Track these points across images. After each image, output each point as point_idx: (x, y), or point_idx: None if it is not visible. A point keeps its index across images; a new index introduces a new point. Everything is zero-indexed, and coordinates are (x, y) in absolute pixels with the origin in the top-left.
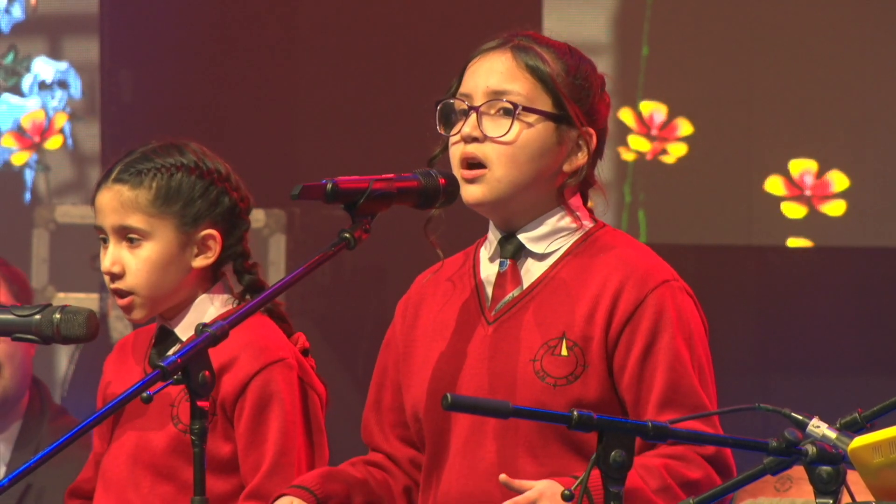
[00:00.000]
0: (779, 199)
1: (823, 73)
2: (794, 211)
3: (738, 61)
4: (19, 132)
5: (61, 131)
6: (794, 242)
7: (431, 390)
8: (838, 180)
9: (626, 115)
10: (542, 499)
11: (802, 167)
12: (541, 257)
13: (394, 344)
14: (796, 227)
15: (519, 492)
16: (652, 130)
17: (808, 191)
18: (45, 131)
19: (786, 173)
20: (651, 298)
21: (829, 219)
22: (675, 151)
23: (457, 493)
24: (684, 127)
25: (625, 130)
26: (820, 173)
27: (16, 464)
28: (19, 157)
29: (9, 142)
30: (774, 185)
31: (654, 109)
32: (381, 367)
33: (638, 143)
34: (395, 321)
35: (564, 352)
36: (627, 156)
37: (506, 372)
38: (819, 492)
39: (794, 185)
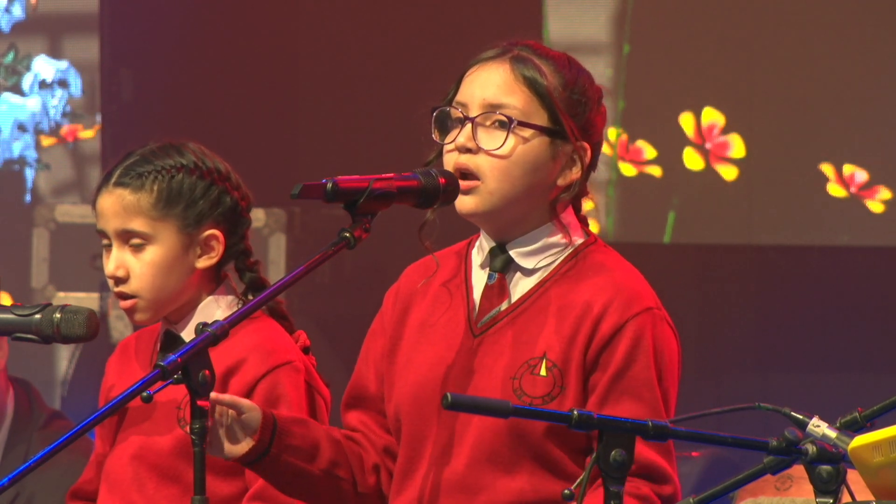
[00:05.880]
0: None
1: (821, 72)
2: (838, 191)
3: (738, 59)
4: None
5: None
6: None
7: (415, 396)
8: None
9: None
10: None
11: (827, 165)
12: (529, 272)
13: (380, 333)
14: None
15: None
16: (707, 144)
17: (853, 188)
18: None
19: (808, 175)
20: (631, 324)
21: (840, 217)
22: (727, 172)
23: (426, 501)
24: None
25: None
26: (841, 171)
27: (2, 476)
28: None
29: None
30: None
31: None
32: (365, 353)
33: (692, 158)
34: (383, 310)
35: (544, 372)
36: (691, 164)
37: (487, 387)
38: (819, 491)
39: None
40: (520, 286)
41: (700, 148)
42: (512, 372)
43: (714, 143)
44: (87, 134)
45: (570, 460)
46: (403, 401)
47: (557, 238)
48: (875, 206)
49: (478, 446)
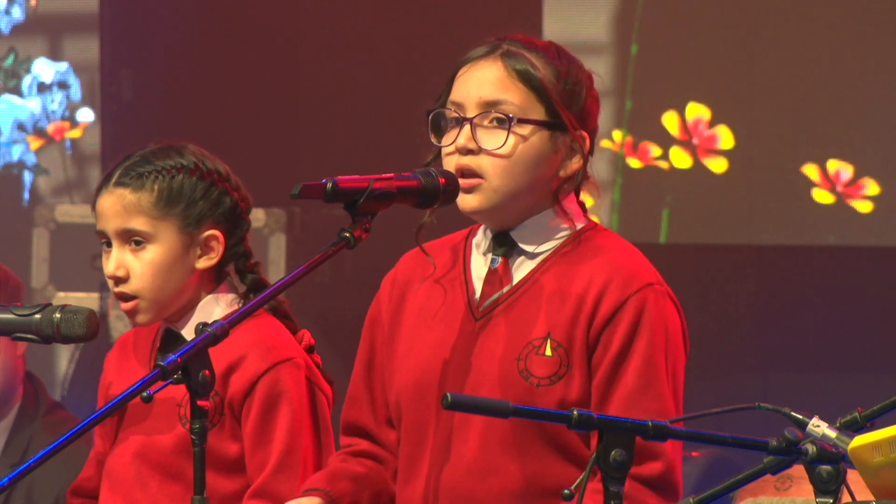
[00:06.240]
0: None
1: (823, 73)
2: (824, 197)
3: (737, 58)
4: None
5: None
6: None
7: (416, 382)
8: (869, 185)
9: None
10: None
11: (811, 166)
12: (531, 256)
13: (379, 321)
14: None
15: None
16: (693, 139)
17: (839, 187)
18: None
19: (798, 173)
20: (632, 300)
21: (841, 217)
22: (716, 165)
23: (436, 486)
24: (725, 136)
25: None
26: (826, 171)
27: (7, 458)
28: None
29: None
30: (810, 171)
31: (698, 115)
32: (366, 343)
33: (679, 156)
34: (380, 296)
35: (549, 352)
36: (678, 162)
37: (490, 370)
38: (819, 491)
39: (828, 180)
40: (521, 270)
41: (687, 144)
42: (516, 353)
43: (701, 137)
44: (75, 133)
45: (581, 443)
46: (405, 388)
47: (559, 223)
48: (863, 205)
49: (488, 430)
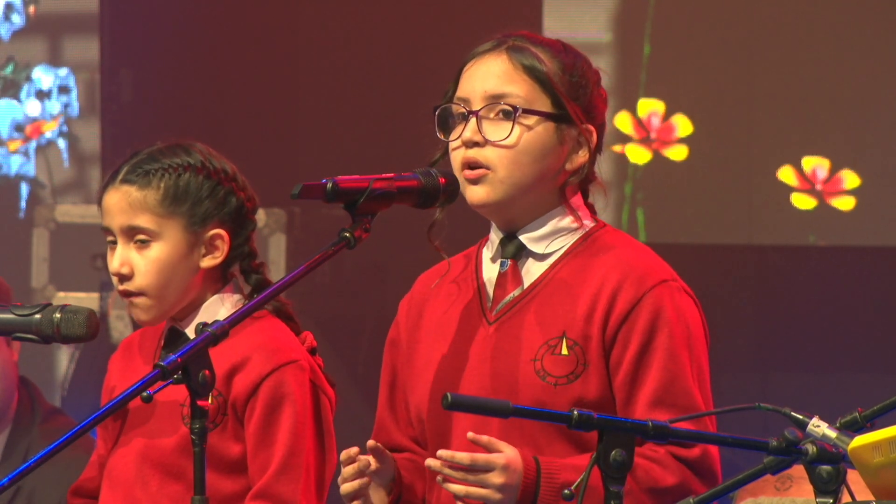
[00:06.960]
0: (784, 195)
1: (826, 72)
2: (804, 202)
3: (739, 59)
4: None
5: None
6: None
7: (434, 392)
8: (849, 178)
9: (622, 122)
10: (505, 472)
11: (811, 164)
12: (541, 257)
13: (398, 342)
14: (799, 224)
15: (487, 448)
16: (651, 134)
17: (819, 185)
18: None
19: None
20: (648, 298)
21: (835, 216)
22: (675, 153)
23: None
24: (683, 126)
25: (623, 137)
26: (828, 170)
27: (4, 471)
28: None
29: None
30: (786, 175)
31: (652, 110)
32: (388, 366)
33: (636, 152)
34: (398, 319)
35: (565, 351)
36: (635, 158)
37: (507, 372)
38: (819, 491)
39: (806, 179)
40: (532, 271)
41: (645, 140)
42: (532, 354)
43: (656, 130)
44: (51, 126)
45: None
46: (424, 400)
47: (567, 222)
48: (844, 203)
49: (508, 432)
